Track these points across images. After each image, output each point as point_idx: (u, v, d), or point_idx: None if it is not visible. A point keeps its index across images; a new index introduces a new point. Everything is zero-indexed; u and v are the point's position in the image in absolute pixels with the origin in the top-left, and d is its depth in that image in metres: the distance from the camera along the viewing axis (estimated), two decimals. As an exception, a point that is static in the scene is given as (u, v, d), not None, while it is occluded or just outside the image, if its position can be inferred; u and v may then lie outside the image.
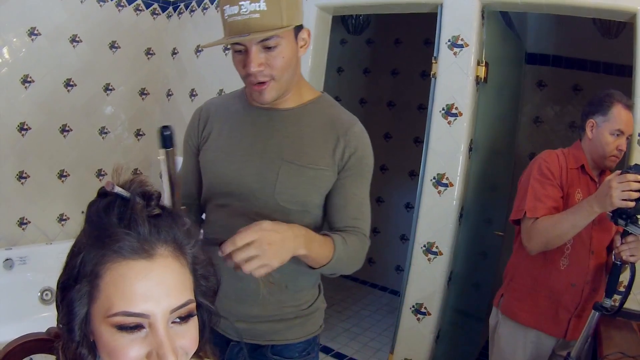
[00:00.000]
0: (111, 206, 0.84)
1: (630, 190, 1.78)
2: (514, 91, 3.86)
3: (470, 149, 2.85)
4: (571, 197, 2.15)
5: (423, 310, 2.92)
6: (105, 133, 3.94)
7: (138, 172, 4.15)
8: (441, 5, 2.86)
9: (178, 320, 0.84)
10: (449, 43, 2.82)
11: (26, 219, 3.59)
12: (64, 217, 3.80)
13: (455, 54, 2.80)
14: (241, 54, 1.39)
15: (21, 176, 3.50)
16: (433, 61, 2.89)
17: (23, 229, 3.58)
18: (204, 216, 1.68)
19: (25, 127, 3.44)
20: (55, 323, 0.90)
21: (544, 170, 2.16)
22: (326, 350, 3.97)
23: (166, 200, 1.02)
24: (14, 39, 3.30)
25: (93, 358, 0.86)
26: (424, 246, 2.90)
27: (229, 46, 3.77)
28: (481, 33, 2.81)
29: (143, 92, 4.16)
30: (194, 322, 0.88)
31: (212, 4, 3.90)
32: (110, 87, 3.90)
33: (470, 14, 2.77)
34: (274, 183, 1.48)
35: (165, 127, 1.10)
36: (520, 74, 4.06)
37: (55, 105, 3.58)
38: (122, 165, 0.89)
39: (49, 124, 3.58)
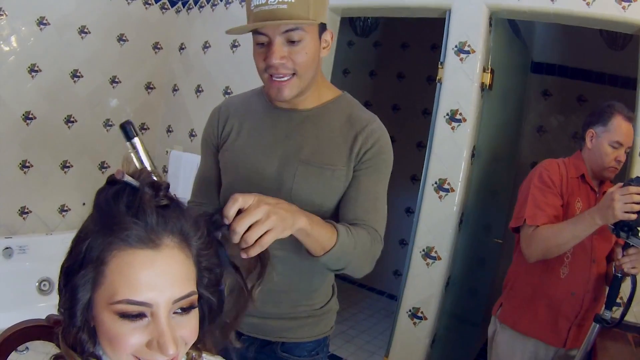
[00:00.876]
0: (120, 194, 0.84)
1: (633, 203, 1.78)
2: (518, 99, 3.87)
3: (472, 155, 2.85)
4: (571, 206, 2.15)
5: (419, 314, 2.92)
6: (110, 125, 3.94)
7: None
8: (449, 10, 2.86)
9: (180, 310, 0.85)
10: (455, 49, 2.83)
11: (27, 208, 3.59)
12: (65, 208, 3.81)
13: (461, 59, 2.81)
14: (263, 47, 1.37)
15: (24, 165, 3.50)
16: (439, 66, 2.90)
17: (24, 218, 3.59)
18: None
19: (30, 116, 3.45)
20: (53, 313, 0.90)
21: (544, 179, 2.16)
22: (321, 351, 3.96)
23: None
24: (23, 28, 3.31)
25: (93, 344, 0.87)
26: (423, 250, 2.90)
27: (238, 43, 3.81)
28: (488, 40, 2.81)
29: (149, 86, 4.16)
30: (195, 314, 0.89)
31: (221, 1, 3.91)
32: (116, 80, 3.90)
33: (478, 20, 2.77)
34: (290, 185, 1.46)
35: (125, 122, 1.09)
36: (525, 83, 4.07)
37: (60, 95, 3.59)
38: (132, 155, 0.90)
39: (53, 114, 3.58)
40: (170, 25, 4.19)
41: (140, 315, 0.81)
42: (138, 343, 0.81)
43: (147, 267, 0.81)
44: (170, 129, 4.26)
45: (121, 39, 3.86)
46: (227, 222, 1.03)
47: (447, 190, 2.83)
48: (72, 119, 3.69)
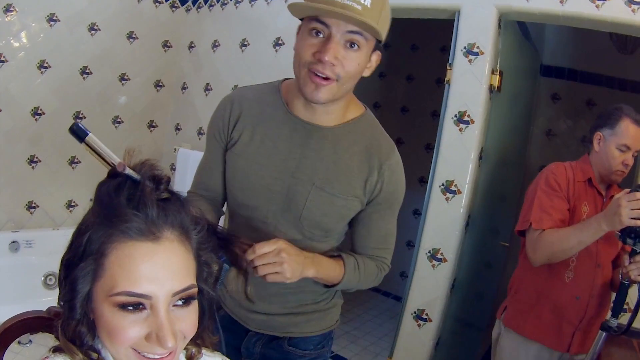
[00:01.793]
0: (121, 187, 0.85)
1: None
2: (527, 102, 3.85)
3: (480, 158, 2.84)
4: (577, 210, 2.14)
5: (424, 316, 2.91)
6: (118, 122, 3.96)
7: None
8: (459, 12, 2.85)
9: (179, 303, 0.85)
10: (464, 50, 2.82)
11: (34, 203, 3.61)
12: (73, 204, 3.83)
13: (470, 61, 2.80)
14: (316, 38, 1.28)
15: (32, 160, 3.52)
16: (448, 68, 2.89)
17: (31, 213, 3.61)
18: (225, 208, 1.66)
19: (39, 111, 3.47)
20: (54, 305, 0.90)
21: (551, 182, 2.15)
22: (325, 351, 3.96)
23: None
24: (33, 24, 3.33)
25: (92, 336, 0.87)
26: (429, 252, 2.89)
27: (247, 42, 3.81)
28: (497, 42, 2.80)
29: (158, 84, 4.18)
30: (194, 307, 0.89)
31: (230, 0, 3.92)
32: (125, 77, 3.92)
33: (487, 22, 2.76)
34: (301, 207, 1.44)
35: (73, 125, 1.02)
36: (534, 86, 4.05)
37: (70, 91, 3.61)
38: (135, 148, 0.90)
39: (62, 110, 3.60)
40: (180, 23, 4.20)
41: (139, 308, 0.81)
42: (137, 336, 0.81)
43: (147, 259, 0.82)
44: (179, 127, 4.27)
45: (131, 36, 3.88)
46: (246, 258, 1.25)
47: (454, 192, 2.82)
48: (80, 115, 3.71)
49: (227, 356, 1.12)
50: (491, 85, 2.79)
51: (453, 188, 2.82)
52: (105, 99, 3.83)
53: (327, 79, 1.29)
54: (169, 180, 0.90)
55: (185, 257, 0.87)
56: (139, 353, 0.83)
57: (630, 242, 1.84)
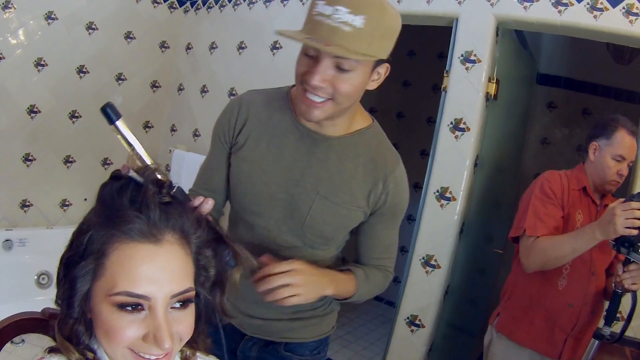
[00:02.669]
0: (124, 189, 0.86)
1: (634, 219, 1.77)
2: (523, 110, 3.86)
3: (475, 165, 2.85)
4: (572, 218, 2.14)
5: (417, 322, 2.91)
6: (114, 122, 3.95)
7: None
8: (457, 19, 2.86)
9: (177, 306, 0.86)
10: (461, 57, 2.83)
11: (29, 202, 3.60)
12: (67, 203, 3.81)
13: (467, 69, 2.81)
14: (309, 59, 1.25)
15: (27, 158, 3.51)
16: (444, 75, 2.89)
17: (25, 211, 3.60)
18: (226, 211, 1.67)
19: (35, 110, 3.46)
20: (51, 307, 0.91)
21: (545, 190, 2.16)
22: (317, 355, 3.96)
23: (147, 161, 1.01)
24: (31, 22, 3.33)
25: (88, 336, 0.88)
26: (423, 258, 2.89)
27: (245, 45, 3.82)
28: (494, 50, 2.81)
29: (154, 85, 4.17)
30: (191, 310, 0.90)
31: (229, 2, 3.92)
32: (122, 77, 3.92)
33: (485, 30, 2.77)
34: (304, 216, 1.44)
35: (105, 105, 1.01)
36: (530, 94, 4.06)
37: (66, 90, 3.60)
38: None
39: (58, 108, 3.60)
40: (178, 24, 4.20)
41: (138, 308, 0.82)
42: (134, 336, 0.82)
43: (148, 260, 0.83)
44: (175, 128, 4.26)
45: (128, 36, 3.88)
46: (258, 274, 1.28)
47: (448, 199, 2.83)
48: (76, 114, 3.70)
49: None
50: (487, 93, 2.80)
51: (448, 195, 2.83)
52: (101, 98, 3.79)
53: (319, 100, 1.27)
54: (171, 185, 0.91)
55: (184, 261, 0.88)
56: (135, 353, 0.83)
57: (624, 251, 1.84)
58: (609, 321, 1.96)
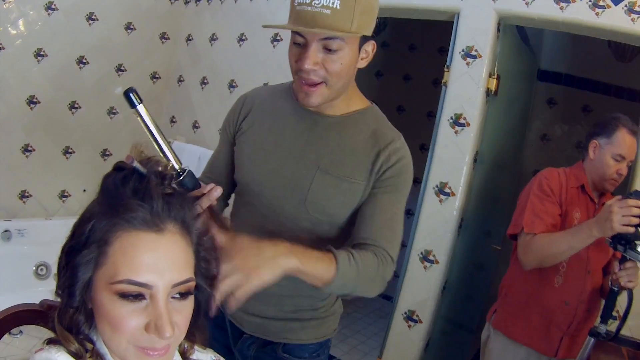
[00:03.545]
0: (128, 179, 0.87)
1: (631, 216, 1.78)
2: (523, 106, 3.86)
3: (475, 160, 2.85)
4: (569, 216, 2.15)
5: (415, 317, 2.92)
6: (114, 113, 3.95)
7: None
8: (458, 14, 2.86)
9: (178, 295, 0.87)
10: (462, 53, 2.82)
11: (28, 192, 3.60)
12: (66, 194, 3.81)
13: (468, 64, 2.80)
14: (299, 47, 1.33)
15: (26, 149, 3.51)
16: (445, 69, 2.89)
17: (24, 202, 3.60)
18: (230, 201, 1.66)
19: (35, 100, 3.46)
20: (49, 298, 0.91)
21: (544, 187, 2.16)
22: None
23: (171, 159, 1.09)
24: (31, 12, 3.32)
25: (89, 326, 0.89)
26: (421, 253, 2.90)
27: (245, 37, 3.81)
28: (495, 45, 2.81)
29: (154, 76, 4.17)
30: (190, 301, 0.90)
31: (230, -6, 3.91)
32: (122, 68, 3.91)
33: (486, 25, 2.77)
34: (306, 191, 1.43)
35: (128, 89, 1.07)
36: (531, 90, 4.06)
37: (66, 81, 3.60)
38: (142, 144, 0.93)
39: (58, 99, 3.59)
40: (179, 16, 4.19)
41: (139, 297, 0.83)
42: (137, 325, 0.82)
43: (150, 249, 0.84)
44: (174, 120, 4.26)
45: (129, 27, 3.87)
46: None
47: (447, 194, 2.83)
48: (76, 105, 3.69)
49: (221, 354, 1.12)
50: (488, 88, 2.80)
51: (447, 190, 2.83)
52: (101, 89, 3.81)
53: (315, 84, 1.34)
54: (172, 177, 0.94)
55: (186, 251, 0.89)
56: (139, 348, 0.84)
57: (621, 248, 1.85)
58: (605, 319, 1.97)
